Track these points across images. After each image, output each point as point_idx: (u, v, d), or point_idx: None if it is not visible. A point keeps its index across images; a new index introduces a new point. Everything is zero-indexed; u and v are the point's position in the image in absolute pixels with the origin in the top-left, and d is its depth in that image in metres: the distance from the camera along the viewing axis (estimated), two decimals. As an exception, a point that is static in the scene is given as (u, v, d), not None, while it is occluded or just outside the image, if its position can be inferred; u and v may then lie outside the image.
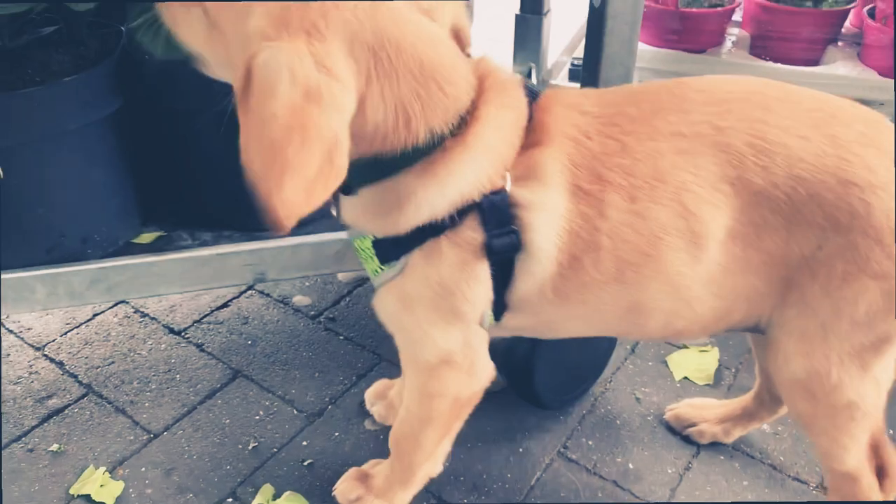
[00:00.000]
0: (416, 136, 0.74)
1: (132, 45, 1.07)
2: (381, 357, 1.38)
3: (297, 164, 0.65)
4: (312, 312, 1.50)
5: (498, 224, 0.79)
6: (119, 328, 1.46)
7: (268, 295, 1.54)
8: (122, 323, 1.47)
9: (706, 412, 1.22)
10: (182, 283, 1.10)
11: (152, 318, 1.48)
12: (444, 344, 0.87)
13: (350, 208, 0.84)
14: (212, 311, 1.50)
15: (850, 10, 1.61)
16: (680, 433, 1.23)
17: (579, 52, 1.79)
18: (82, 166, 1.04)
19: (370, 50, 0.70)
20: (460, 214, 0.79)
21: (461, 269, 0.81)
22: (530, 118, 0.81)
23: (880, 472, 0.97)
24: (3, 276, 1.03)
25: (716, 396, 1.29)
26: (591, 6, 1.07)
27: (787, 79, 1.55)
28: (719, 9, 1.61)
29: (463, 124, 0.76)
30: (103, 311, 1.50)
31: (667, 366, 1.36)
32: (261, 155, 0.66)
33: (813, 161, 0.76)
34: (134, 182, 1.14)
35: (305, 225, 1.18)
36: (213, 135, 1.08)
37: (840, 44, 1.64)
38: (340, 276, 1.59)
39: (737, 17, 1.71)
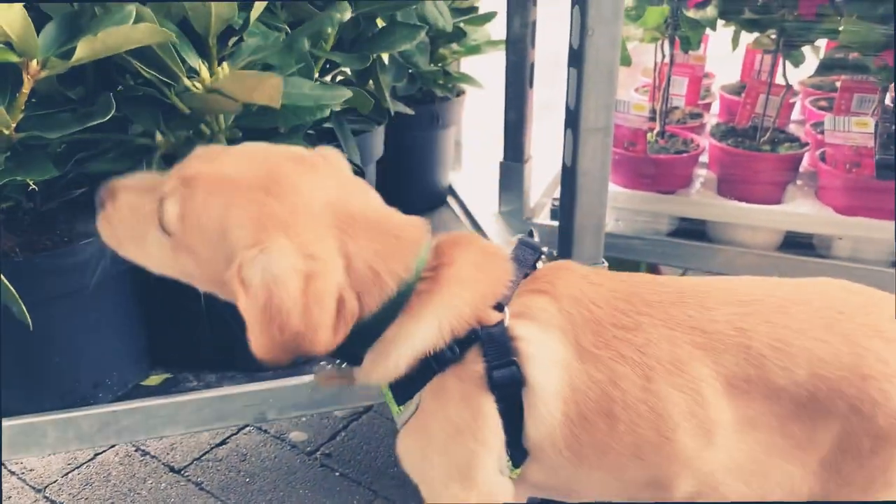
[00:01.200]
0: (389, 286, 0.84)
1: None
2: (377, 494, 1.41)
3: (323, 323, 0.78)
4: (309, 448, 1.53)
5: (498, 355, 0.84)
6: (120, 467, 1.49)
7: (265, 431, 1.59)
8: (123, 462, 1.50)
9: None
10: (187, 424, 1.15)
11: (153, 457, 1.51)
12: (465, 499, 0.89)
13: (362, 374, 0.91)
14: (211, 449, 1.53)
15: (804, 154, 1.75)
16: None
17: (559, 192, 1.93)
18: (100, 316, 1.12)
19: (334, 223, 0.82)
20: (462, 348, 0.85)
21: (468, 405, 0.86)
22: (534, 262, 0.90)
23: None
24: (15, 421, 1.09)
25: None
26: (564, 165, 1.20)
27: (752, 217, 1.69)
28: (685, 154, 1.76)
29: (433, 269, 0.86)
30: (104, 451, 1.53)
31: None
32: (288, 331, 0.77)
33: (832, 360, 0.84)
34: (145, 328, 1.22)
35: (303, 364, 1.25)
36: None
37: (799, 183, 1.77)
38: (337, 410, 1.64)
39: (704, 158, 1.86)
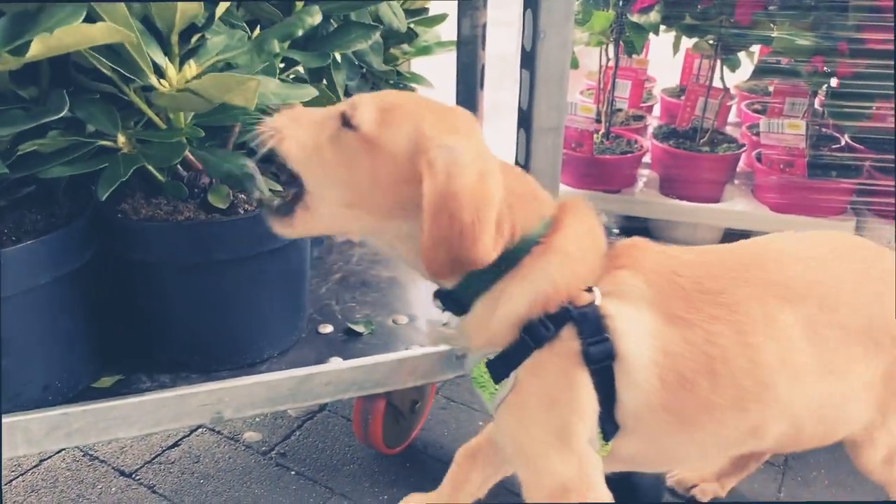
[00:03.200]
0: (517, 234, 0.89)
1: (102, 204, 1.16)
2: (334, 491, 1.41)
3: (488, 222, 0.85)
4: (263, 448, 1.53)
5: (592, 333, 0.90)
6: (67, 473, 1.45)
7: (218, 432, 1.57)
8: (71, 467, 1.47)
9: (704, 472, 1.35)
10: (142, 426, 1.14)
11: (102, 461, 1.48)
12: (563, 469, 0.93)
13: (468, 327, 0.95)
14: (163, 451, 1.51)
15: (741, 154, 1.84)
16: (684, 496, 1.34)
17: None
18: (50, 317, 1.09)
19: (493, 156, 0.89)
20: (556, 325, 0.90)
21: (564, 378, 0.91)
22: (614, 248, 0.96)
23: None
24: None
25: None
26: (517, 164, 1.23)
27: (693, 215, 1.76)
28: (629, 155, 1.82)
29: (547, 235, 0.91)
30: (51, 457, 1.49)
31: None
32: (457, 219, 0.83)
33: (878, 300, 0.96)
34: (96, 328, 1.20)
35: (260, 364, 1.25)
36: (174, 284, 1.18)
37: (737, 182, 1.86)
38: (291, 410, 1.63)
39: (647, 159, 1.93)
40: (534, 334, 0.90)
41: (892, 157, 1.68)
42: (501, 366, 0.93)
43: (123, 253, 1.17)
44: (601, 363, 0.90)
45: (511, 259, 0.89)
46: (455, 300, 0.94)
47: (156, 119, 1.03)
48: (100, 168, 0.98)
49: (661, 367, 0.91)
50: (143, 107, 1.00)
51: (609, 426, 0.94)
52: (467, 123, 0.91)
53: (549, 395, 0.92)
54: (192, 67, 0.96)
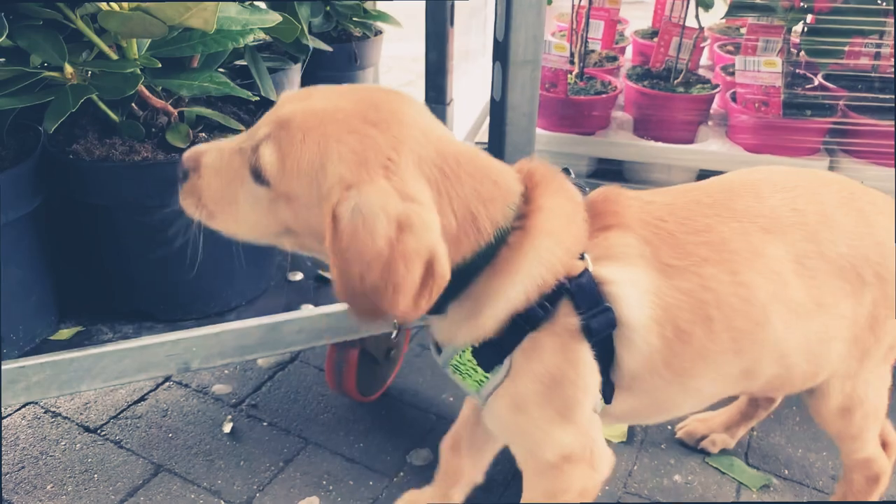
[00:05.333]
0: (485, 233, 0.80)
1: (52, 144, 1.09)
2: (308, 440, 1.38)
3: (405, 285, 0.72)
4: (233, 400, 1.49)
5: (590, 305, 0.83)
6: (28, 430, 1.40)
7: (186, 385, 1.53)
8: (32, 425, 1.41)
9: (712, 423, 1.36)
10: (105, 377, 1.09)
11: (65, 418, 1.43)
12: (565, 440, 0.89)
13: (443, 328, 0.89)
14: (129, 406, 1.46)
15: (715, 94, 1.81)
16: (694, 447, 1.37)
17: (481, 136, 1.92)
18: (2, 265, 1.03)
19: (435, 166, 0.77)
20: (552, 302, 0.83)
21: (565, 356, 0.85)
22: (590, 207, 0.89)
23: (883, 446, 1.14)
24: None
25: (630, 452, 1.37)
26: (493, 99, 1.18)
27: (667, 156, 1.73)
28: (603, 96, 1.78)
29: (522, 217, 0.82)
30: (10, 415, 1.44)
31: (583, 427, 1.43)
32: (368, 282, 0.72)
33: (859, 232, 0.92)
34: (52, 278, 1.14)
35: (228, 313, 1.20)
36: (133, 229, 1.12)
37: (710, 123, 1.83)
38: (261, 361, 1.59)
39: (621, 101, 1.89)
40: (530, 318, 0.83)
41: (867, 96, 1.67)
42: (492, 353, 0.86)
43: (79, 197, 1.10)
44: (602, 333, 0.85)
45: (486, 256, 0.81)
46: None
47: (106, 49, 0.95)
48: (46, 102, 0.90)
49: (660, 323, 0.86)
50: (92, 35, 0.92)
51: (607, 388, 0.90)
52: (399, 128, 0.77)
53: (550, 375, 0.86)
54: (144, -13, 0.88)
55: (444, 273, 0.75)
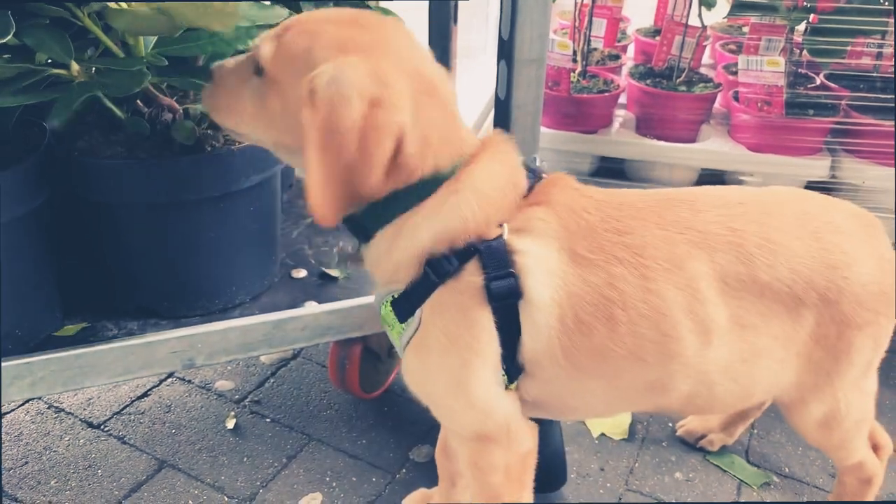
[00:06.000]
0: (428, 166, 0.83)
1: (57, 141, 1.09)
2: (311, 437, 1.39)
3: (378, 156, 0.77)
4: (237, 396, 1.49)
5: (497, 267, 0.84)
6: (32, 426, 1.40)
7: (189, 381, 1.53)
8: (35, 420, 1.42)
9: (710, 422, 1.38)
10: (109, 374, 1.09)
11: (68, 413, 1.43)
12: (467, 420, 0.90)
13: (370, 258, 0.90)
14: (132, 402, 1.47)
15: (717, 93, 1.81)
16: (693, 445, 1.39)
17: (484, 133, 1.92)
18: (6, 261, 1.03)
19: (412, 79, 0.81)
20: (462, 260, 0.85)
21: (463, 315, 0.86)
22: (532, 185, 0.90)
23: (874, 448, 1.15)
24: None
25: (631, 449, 1.37)
26: (497, 98, 1.19)
27: (669, 154, 1.73)
28: (606, 94, 1.78)
29: (460, 169, 0.85)
30: (13, 410, 1.44)
31: (585, 424, 1.44)
32: (344, 155, 0.76)
33: (806, 255, 0.90)
34: (57, 274, 1.14)
35: (232, 309, 1.21)
36: (138, 226, 1.12)
37: (712, 122, 1.83)
38: (263, 357, 1.60)
39: (623, 100, 1.89)
40: (437, 269, 0.85)
41: (869, 95, 1.67)
42: (406, 303, 0.88)
43: (83, 194, 1.11)
44: (505, 300, 0.85)
45: (419, 193, 0.83)
46: (360, 226, 0.88)
47: (113, 47, 0.96)
48: (52, 99, 0.90)
49: (563, 308, 0.86)
50: (99, 33, 0.92)
51: (513, 368, 0.89)
52: (384, 35, 0.82)
53: (449, 334, 0.86)
54: (150, -14, 0.88)
55: (412, 153, 0.80)
